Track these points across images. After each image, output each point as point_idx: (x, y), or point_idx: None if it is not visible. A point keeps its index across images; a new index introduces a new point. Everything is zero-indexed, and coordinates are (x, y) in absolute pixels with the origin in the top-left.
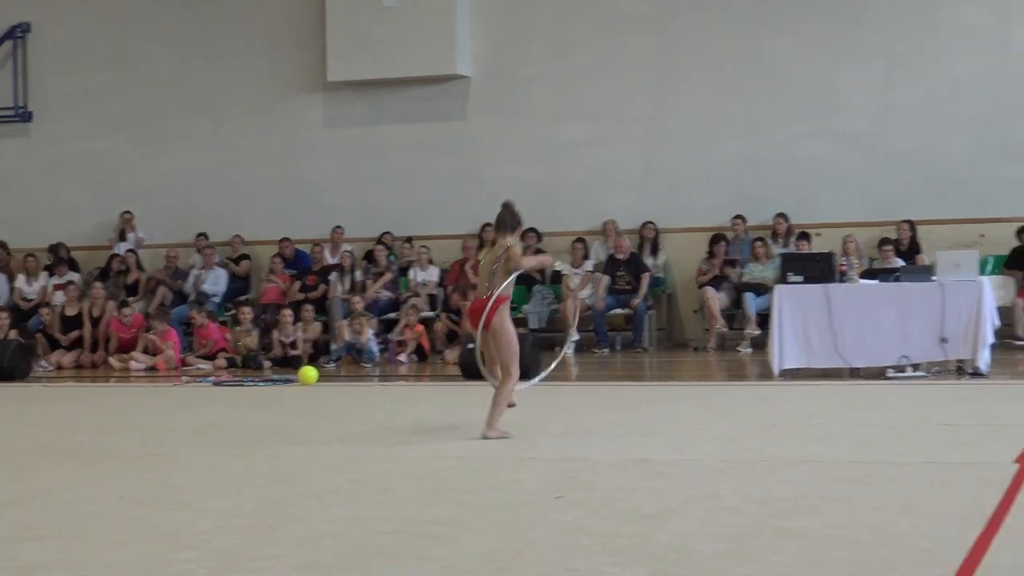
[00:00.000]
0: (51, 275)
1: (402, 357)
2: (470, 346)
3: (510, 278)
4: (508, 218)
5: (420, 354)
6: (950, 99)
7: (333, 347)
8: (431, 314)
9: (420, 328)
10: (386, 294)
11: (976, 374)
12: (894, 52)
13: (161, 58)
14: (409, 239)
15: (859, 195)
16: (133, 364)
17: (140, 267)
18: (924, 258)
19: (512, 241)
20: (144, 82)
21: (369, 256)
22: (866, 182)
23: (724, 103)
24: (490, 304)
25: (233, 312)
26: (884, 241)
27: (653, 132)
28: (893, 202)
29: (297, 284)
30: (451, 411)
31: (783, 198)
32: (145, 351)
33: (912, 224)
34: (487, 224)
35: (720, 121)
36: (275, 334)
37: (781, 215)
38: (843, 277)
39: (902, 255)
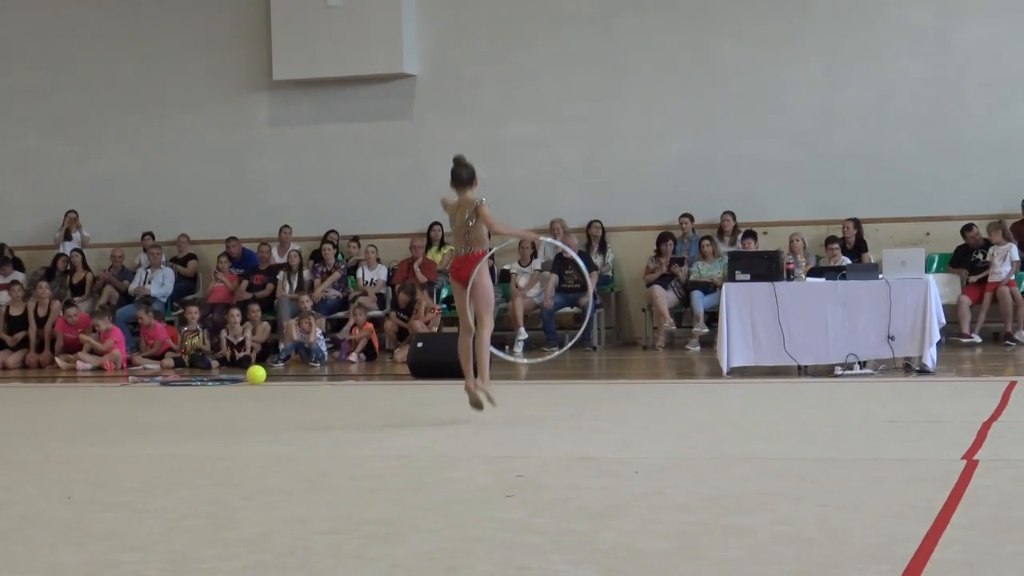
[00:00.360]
0: None
1: (352, 356)
2: (419, 345)
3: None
4: (462, 172)
5: (369, 353)
6: (893, 98)
7: (281, 346)
8: (380, 313)
9: (369, 327)
10: (334, 293)
11: (923, 371)
12: (836, 51)
13: (98, 57)
14: (356, 238)
15: (804, 194)
16: (80, 364)
17: (86, 267)
18: (870, 256)
19: (476, 196)
20: (81, 81)
21: (317, 255)
22: (811, 181)
23: (669, 102)
24: (482, 262)
25: (180, 312)
26: (830, 239)
27: (598, 131)
28: (838, 201)
29: (244, 283)
30: (398, 410)
31: (729, 197)
32: (92, 351)
33: (857, 222)
34: (435, 223)
35: (665, 120)
36: (223, 334)
37: (728, 213)
38: (790, 275)
39: (848, 253)
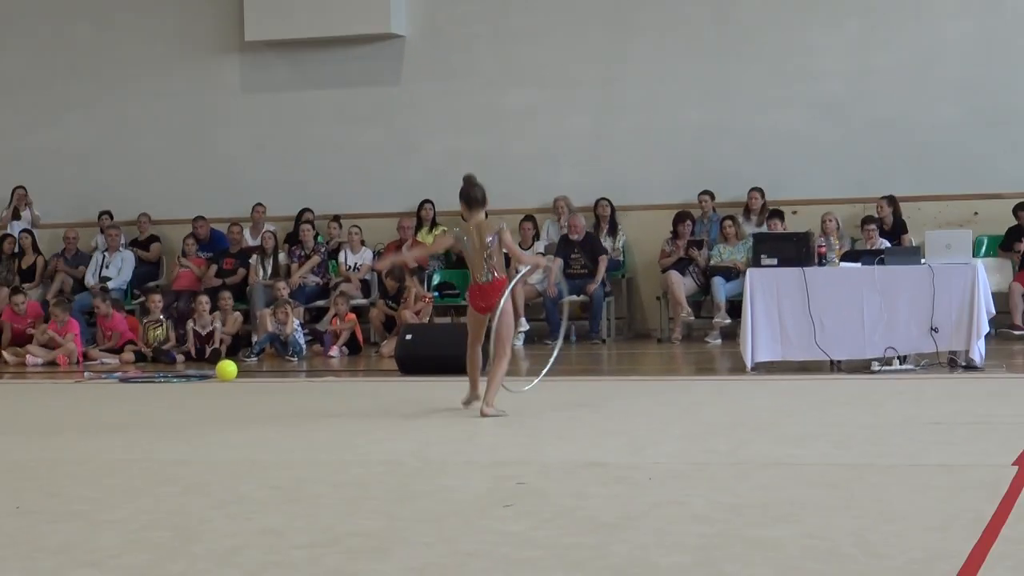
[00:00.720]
0: None
1: (333, 350)
2: (408, 337)
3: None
4: (476, 192)
5: (353, 346)
6: (936, 61)
7: (254, 339)
8: (364, 302)
9: (352, 317)
10: (313, 279)
11: (969, 367)
12: (871, 9)
13: (47, 15)
14: (336, 217)
15: (837, 169)
16: (29, 358)
17: (36, 250)
18: (911, 239)
19: (492, 221)
20: (28, 43)
21: (294, 237)
22: (844, 154)
23: (685, 67)
24: (507, 291)
25: (141, 300)
26: (867, 220)
27: (607, 99)
28: (874, 177)
29: (213, 269)
30: (385, 410)
31: (753, 172)
32: (48, 344)
33: (894, 200)
34: (426, 201)
35: (681, 87)
36: (189, 325)
37: (756, 190)
38: (822, 260)
39: (887, 235)
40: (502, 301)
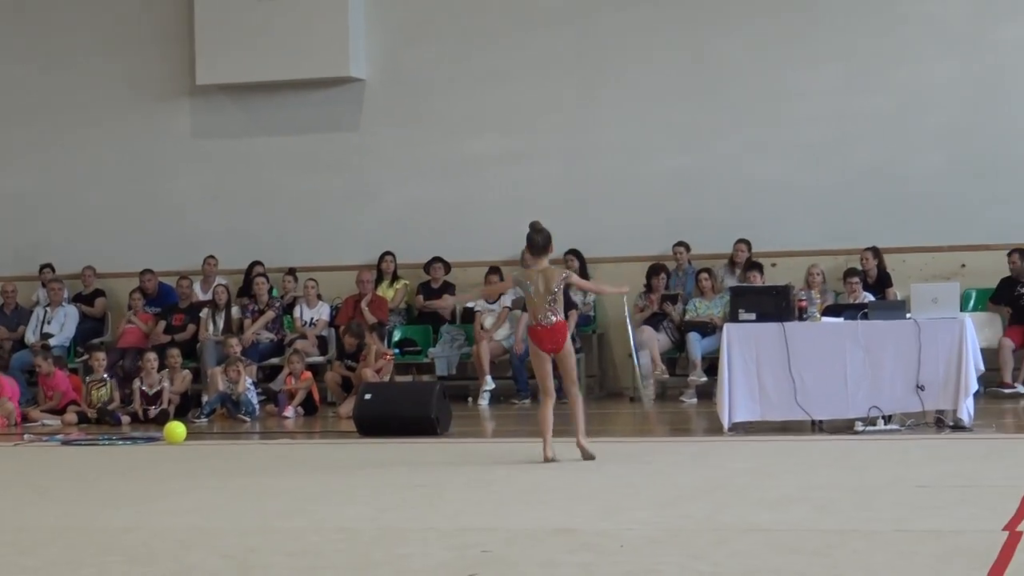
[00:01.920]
0: None
1: (287, 411)
2: (367, 397)
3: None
4: (539, 238)
5: (309, 406)
6: (920, 107)
7: (205, 399)
8: (321, 359)
9: (308, 376)
10: (268, 336)
11: (957, 427)
12: (854, 52)
13: None
14: (292, 271)
15: (818, 219)
16: None
17: None
18: (896, 292)
19: (557, 269)
20: None
21: (247, 291)
22: (826, 204)
23: (659, 111)
24: (570, 330)
25: (85, 358)
26: (849, 272)
27: (577, 145)
28: (857, 227)
29: (162, 324)
30: (342, 474)
31: (729, 222)
32: None
33: (878, 252)
34: (386, 253)
35: (655, 132)
36: (136, 384)
37: (743, 241)
38: (803, 314)
39: (871, 289)
40: (567, 343)
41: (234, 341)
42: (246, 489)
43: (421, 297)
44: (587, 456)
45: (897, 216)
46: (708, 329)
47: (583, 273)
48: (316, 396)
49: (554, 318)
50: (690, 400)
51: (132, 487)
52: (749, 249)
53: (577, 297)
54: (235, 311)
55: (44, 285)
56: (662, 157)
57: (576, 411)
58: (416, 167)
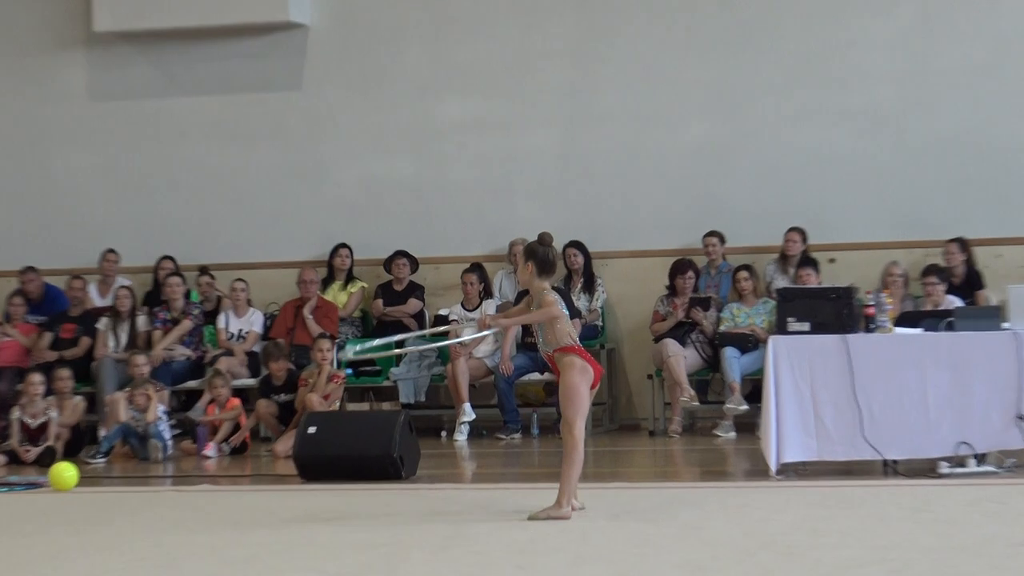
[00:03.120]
0: None
1: (209, 448)
2: (311, 431)
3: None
4: (553, 255)
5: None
6: (1018, 60)
7: (103, 433)
8: (252, 382)
9: (235, 404)
10: (183, 352)
11: None
12: None
13: None
14: (204, 269)
15: (888, 203)
16: None
17: None
18: (989, 296)
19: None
20: None
21: (156, 295)
22: (898, 184)
23: (683, 67)
24: (564, 361)
25: None
26: (929, 270)
27: (578, 109)
28: (936, 213)
29: (47, 338)
30: (279, 529)
31: (776, 207)
32: None
33: (965, 244)
34: (340, 246)
35: (678, 93)
36: (14, 414)
37: (796, 230)
38: (870, 324)
39: (957, 291)
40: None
41: (141, 359)
42: (156, 550)
43: (381, 302)
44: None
45: (990, 199)
46: (749, 343)
47: (588, 272)
48: (246, 430)
49: (548, 349)
50: (727, 434)
51: (9, 547)
52: (804, 240)
53: (581, 303)
54: (141, 321)
55: None
56: (687, 125)
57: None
58: (375, 137)
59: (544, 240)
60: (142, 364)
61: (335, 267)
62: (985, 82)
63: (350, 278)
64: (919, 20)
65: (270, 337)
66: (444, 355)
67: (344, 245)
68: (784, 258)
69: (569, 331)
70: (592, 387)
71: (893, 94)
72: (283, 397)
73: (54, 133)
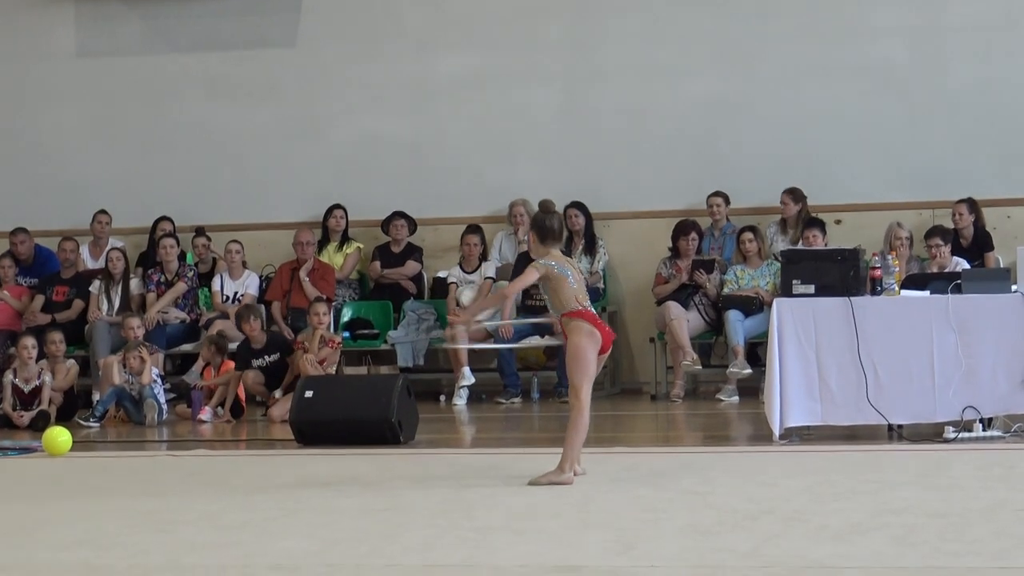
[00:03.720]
0: None
1: (204, 413)
2: (307, 395)
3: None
4: (557, 224)
5: (234, 408)
6: None
7: (96, 396)
8: None
9: (230, 367)
10: (178, 315)
11: None
12: None
13: None
14: (200, 230)
15: (896, 162)
16: None
17: None
18: (997, 258)
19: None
20: None
21: (150, 257)
22: (906, 142)
23: (686, 21)
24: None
25: None
26: (933, 232)
27: (580, 65)
28: (946, 173)
29: (39, 300)
30: (275, 495)
31: (781, 167)
32: None
33: (973, 204)
34: (335, 207)
35: (681, 49)
36: (7, 378)
37: (790, 192)
38: (877, 287)
39: (965, 253)
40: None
41: (135, 321)
42: (151, 515)
43: (378, 264)
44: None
45: (1000, 159)
46: (753, 306)
47: (589, 234)
48: (242, 394)
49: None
50: (730, 398)
51: (2, 513)
52: (797, 201)
53: (583, 265)
54: (135, 283)
55: None
56: (691, 82)
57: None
58: (372, 95)
59: (544, 207)
60: (136, 327)
61: (330, 228)
62: (996, 39)
63: (345, 239)
64: None
65: (266, 300)
66: (443, 318)
67: (338, 206)
68: (784, 221)
69: (576, 295)
70: (603, 352)
71: (902, 51)
72: (267, 359)
73: (43, 91)
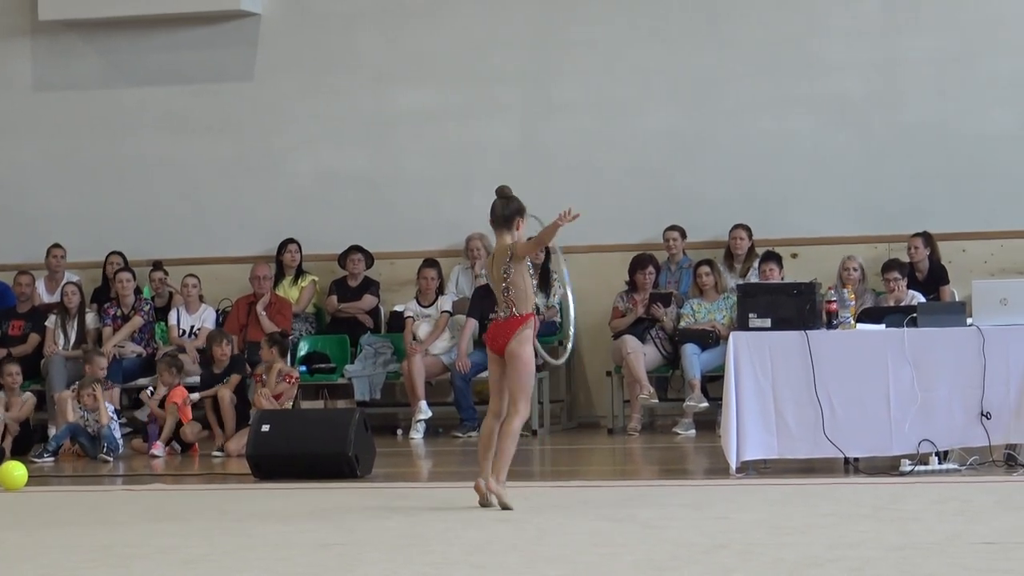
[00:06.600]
0: None
1: (157, 447)
2: (264, 429)
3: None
4: (499, 207)
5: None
6: (989, 49)
7: (52, 431)
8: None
9: (183, 393)
10: (135, 349)
11: None
12: None
13: None
14: (157, 264)
15: (852, 196)
16: None
17: None
18: (953, 291)
19: (513, 238)
20: None
21: (106, 291)
22: (861, 176)
23: (645, 56)
24: (519, 333)
25: None
26: (891, 265)
27: (537, 98)
28: (903, 206)
29: None
30: (232, 529)
31: (738, 200)
32: None
33: (929, 238)
34: (288, 241)
35: (638, 84)
36: None
37: (741, 227)
38: (832, 320)
39: (921, 286)
40: (512, 341)
41: (103, 361)
42: (108, 549)
43: (335, 298)
44: (503, 505)
45: (955, 193)
46: (710, 340)
47: (545, 267)
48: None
49: (503, 313)
50: (687, 432)
51: None
52: (750, 237)
53: (538, 298)
54: (90, 318)
55: None
56: (648, 115)
57: (504, 443)
58: (328, 128)
59: (502, 192)
60: (103, 367)
61: (284, 263)
62: (952, 73)
63: (300, 273)
64: (885, 9)
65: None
66: (400, 352)
67: (292, 240)
68: (729, 255)
69: (530, 291)
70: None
71: (858, 85)
72: (226, 381)
73: (0, 125)
